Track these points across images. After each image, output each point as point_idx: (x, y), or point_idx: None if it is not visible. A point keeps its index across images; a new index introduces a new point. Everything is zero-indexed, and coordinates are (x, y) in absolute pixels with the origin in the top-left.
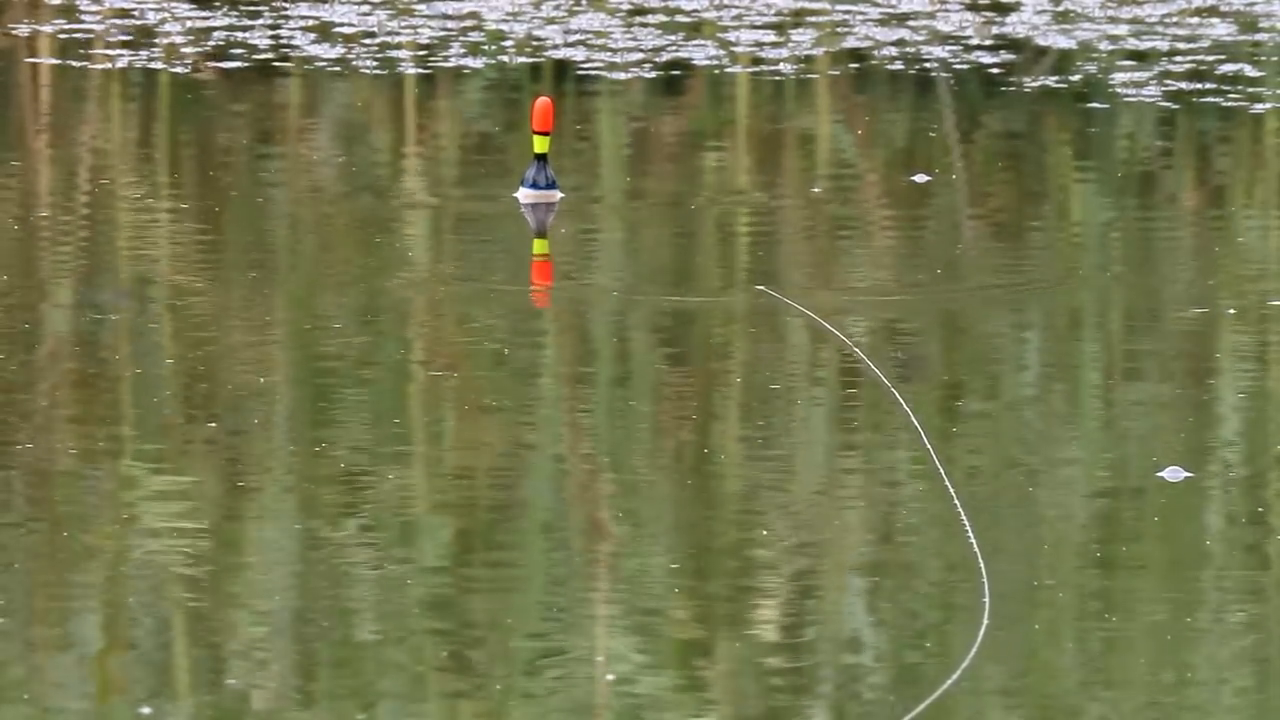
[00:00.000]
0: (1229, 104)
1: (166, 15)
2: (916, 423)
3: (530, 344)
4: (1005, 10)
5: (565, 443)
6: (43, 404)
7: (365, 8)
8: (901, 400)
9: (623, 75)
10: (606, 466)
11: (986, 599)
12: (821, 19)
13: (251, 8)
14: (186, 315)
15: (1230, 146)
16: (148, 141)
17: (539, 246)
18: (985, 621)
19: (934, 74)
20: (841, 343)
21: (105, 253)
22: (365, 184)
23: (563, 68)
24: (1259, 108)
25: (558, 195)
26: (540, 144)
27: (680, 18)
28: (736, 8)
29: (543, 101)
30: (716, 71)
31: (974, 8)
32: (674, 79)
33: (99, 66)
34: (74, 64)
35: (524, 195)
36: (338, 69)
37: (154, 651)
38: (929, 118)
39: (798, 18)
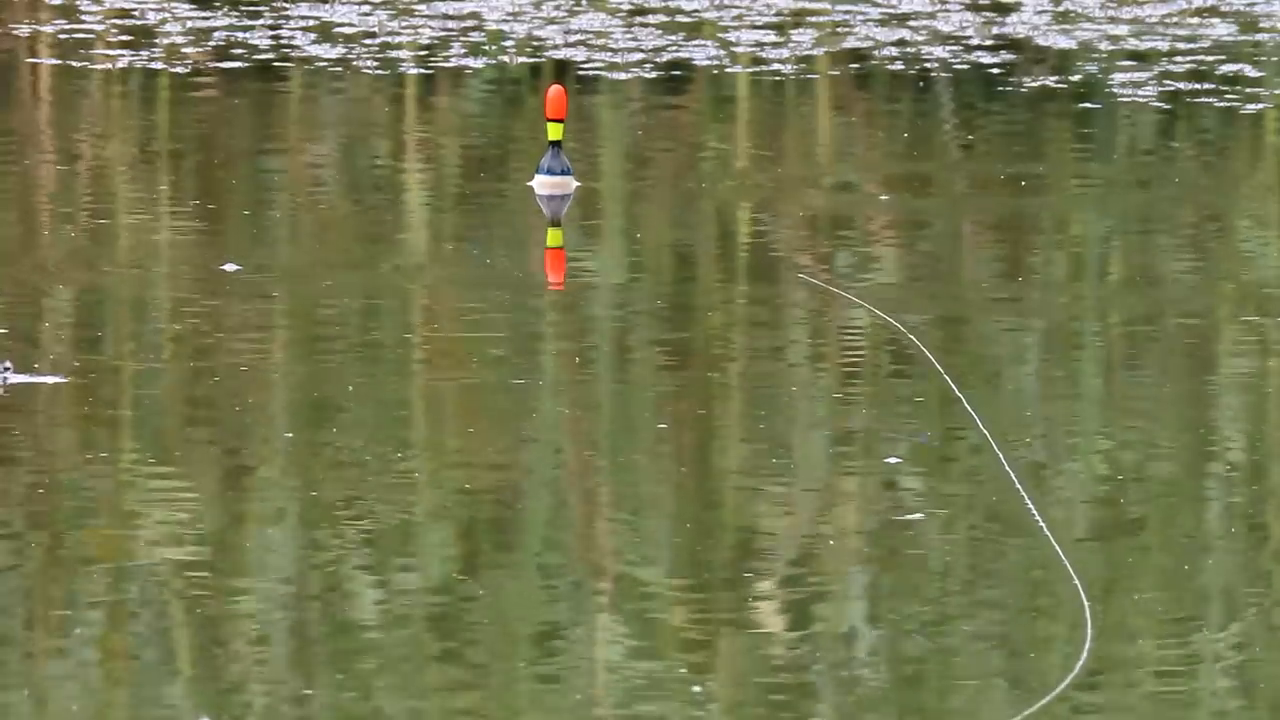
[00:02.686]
0: (1224, 104)
1: (166, 15)
2: (975, 415)
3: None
4: (1005, 10)
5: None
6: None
7: (365, 8)
8: (955, 387)
9: (623, 75)
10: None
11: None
12: (821, 19)
13: (251, 8)
14: (195, 313)
15: (1228, 146)
16: (149, 141)
17: (553, 237)
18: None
19: (933, 74)
20: (898, 331)
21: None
22: (369, 182)
23: (563, 67)
24: (1250, 108)
25: (573, 183)
26: (554, 131)
27: (680, 18)
28: (736, 8)
29: (556, 89)
30: (716, 72)
31: (974, 8)
32: (674, 79)
33: (99, 66)
34: (74, 64)
35: (539, 183)
36: (338, 69)
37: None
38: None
39: (798, 18)
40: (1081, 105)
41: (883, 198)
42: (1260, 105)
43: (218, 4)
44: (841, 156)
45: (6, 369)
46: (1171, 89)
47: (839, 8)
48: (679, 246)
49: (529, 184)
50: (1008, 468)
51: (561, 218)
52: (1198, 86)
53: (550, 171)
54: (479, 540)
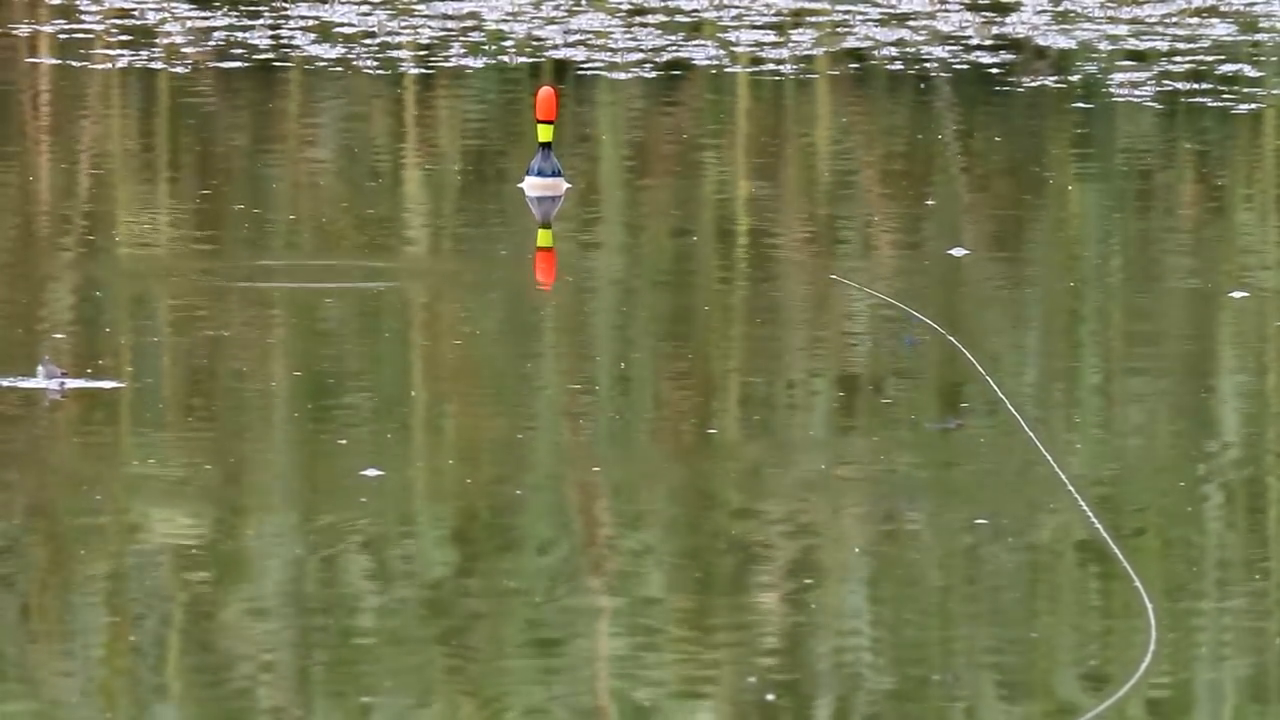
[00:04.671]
0: (1219, 104)
1: (166, 15)
2: (1012, 407)
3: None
4: (1005, 10)
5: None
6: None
7: (365, 8)
8: (995, 386)
9: (623, 75)
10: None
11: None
12: (821, 19)
13: (251, 8)
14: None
15: (1225, 145)
16: (151, 140)
17: (543, 238)
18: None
19: (932, 74)
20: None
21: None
22: (369, 181)
23: (563, 67)
24: (1244, 108)
25: (564, 185)
26: (544, 133)
27: (680, 18)
28: (736, 8)
29: (546, 91)
30: (716, 71)
31: (974, 8)
32: (674, 78)
33: (99, 66)
34: (74, 64)
35: (529, 185)
36: (338, 69)
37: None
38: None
39: (798, 18)
40: (1078, 105)
41: (929, 202)
42: (1257, 105)
43: (218, 4)
44: (840, 156)
45: (63, 374)
46: (1170, 89)
47: (839, 8)
48: (676, 246)
49: (519, 185)
50: (1063, 477)
51: (551, 219)
52: (1195, 86)
53: (540, 173)
54: (479, 536)
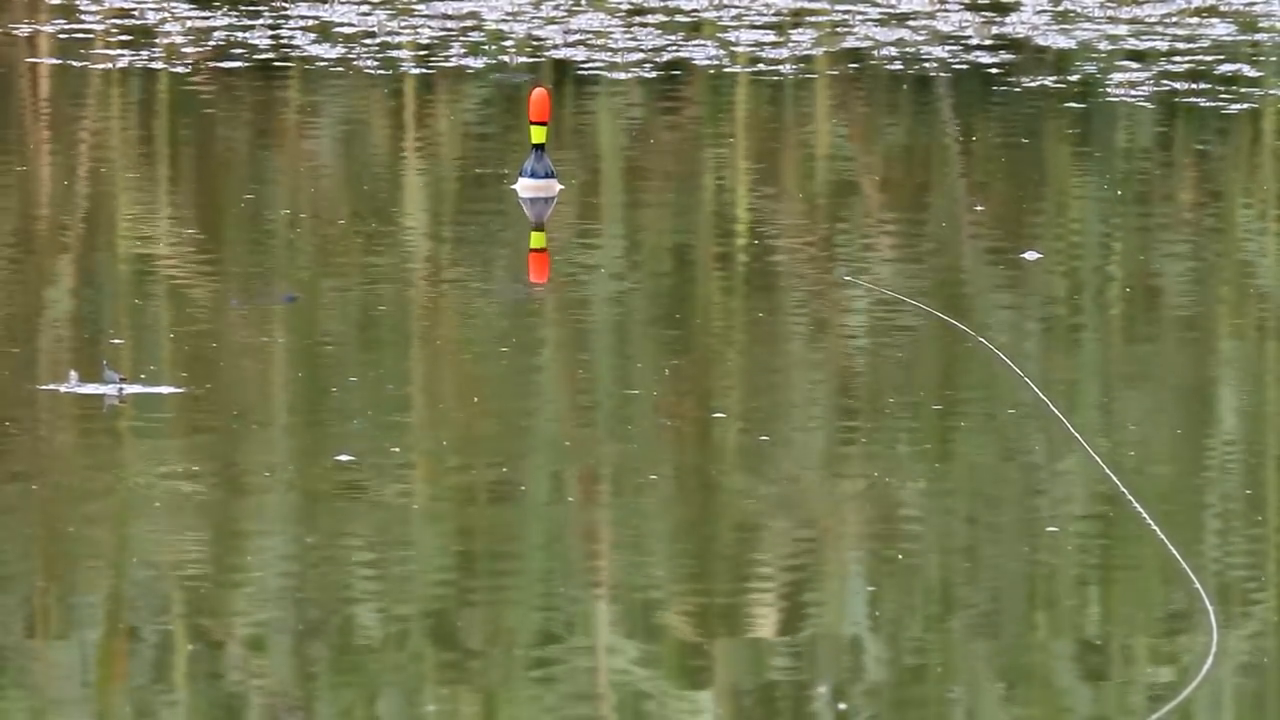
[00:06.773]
0: (1215, 104)
1: (166, 15)
2: (1053, 406)
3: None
4: (1005, 10)
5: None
6: None
7: (365, 8)
8: (1034, 386)
9: (623, 75)
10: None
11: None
12: (821, 19)
13: (251, 8)
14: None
15: (1223, 145)
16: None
17: (536, 239)
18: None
19: (932, 74)
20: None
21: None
22: (367, 182)
23: (563, 67)
24: (1236, 107)
25: (556, 186)
26: (537, 134)
27: (680, 18)
28: (736, 8)
29: (539, 92)
30: (713, 71)
31: (974, 8)
32: (674, 78)
33: (99, 66)
34: (74, 64)
35: (523, 186)
36: (338, 69)
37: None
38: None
39: (798, 18)
40: (1074, 105)
41: (978, 207)
42: (1252, 105)
43: (218, 4)
44: (839, 157)
45: (121, 379)
46: (1169, 89)
47: (839, 8)
48: (674, 249)
49: (512, 187)
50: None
51: (545, 220)
52: (1194, 86)
53: (533, 175)
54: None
